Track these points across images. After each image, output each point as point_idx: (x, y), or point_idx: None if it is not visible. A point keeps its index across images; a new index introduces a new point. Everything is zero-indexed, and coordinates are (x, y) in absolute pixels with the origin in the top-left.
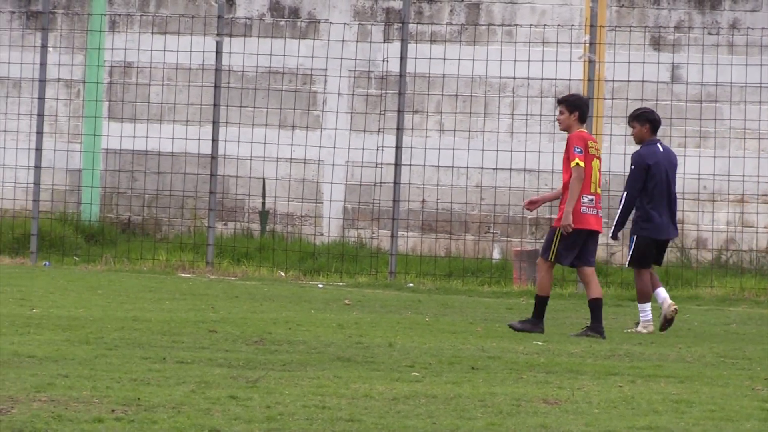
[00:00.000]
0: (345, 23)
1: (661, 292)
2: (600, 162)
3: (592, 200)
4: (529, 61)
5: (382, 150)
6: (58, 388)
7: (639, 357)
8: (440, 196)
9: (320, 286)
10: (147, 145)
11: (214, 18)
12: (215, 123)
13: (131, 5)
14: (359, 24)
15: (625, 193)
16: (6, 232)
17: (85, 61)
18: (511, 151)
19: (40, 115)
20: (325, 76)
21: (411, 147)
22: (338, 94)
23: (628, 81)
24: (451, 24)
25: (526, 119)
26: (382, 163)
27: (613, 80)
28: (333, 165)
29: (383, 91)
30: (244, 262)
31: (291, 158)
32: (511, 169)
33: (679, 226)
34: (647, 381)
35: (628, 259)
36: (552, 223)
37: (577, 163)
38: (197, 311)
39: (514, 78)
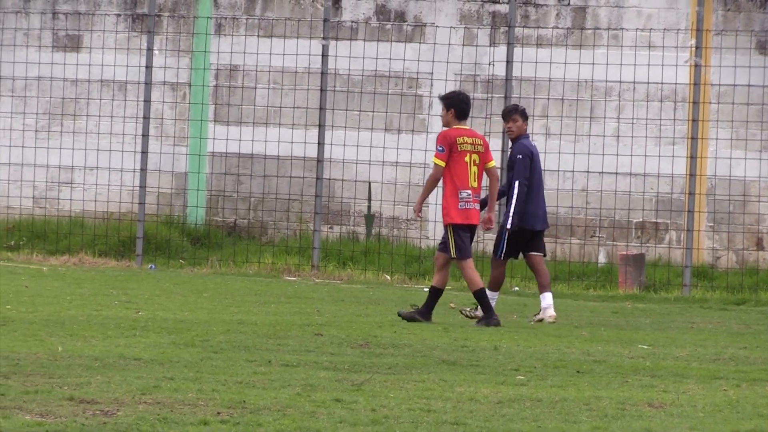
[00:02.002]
0: (451, 27)
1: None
2: (479, 157)
3: (470, 194)
4: (635, 65)
5: None
6: (164, 390)
7: (744, 361)
8: (546, 200)
9: (426, 289)
10: (253, 149)
11: (320, 21)
12: (321, 126)
13: (237, 8)
14: (465, 28)
15: (516, 183)
16: (112, 235)
17: (191, 64)
18: (617, 155)
19: (146, 118)
20: (431, 79)
21: None
22: None
23: (734, 85)
24: (557, 27)
25: (632, 123)
26: None
27: (719, 84)
28: None
29: (489, 95)
30: (349, 266)
31: (396, 161)
32: (616, 173)
33: None
34: (752, 385)
35: (501, 253)
36: (443, 222)
37: (434, 162)
38: (303, 314)
39: (620, 82)
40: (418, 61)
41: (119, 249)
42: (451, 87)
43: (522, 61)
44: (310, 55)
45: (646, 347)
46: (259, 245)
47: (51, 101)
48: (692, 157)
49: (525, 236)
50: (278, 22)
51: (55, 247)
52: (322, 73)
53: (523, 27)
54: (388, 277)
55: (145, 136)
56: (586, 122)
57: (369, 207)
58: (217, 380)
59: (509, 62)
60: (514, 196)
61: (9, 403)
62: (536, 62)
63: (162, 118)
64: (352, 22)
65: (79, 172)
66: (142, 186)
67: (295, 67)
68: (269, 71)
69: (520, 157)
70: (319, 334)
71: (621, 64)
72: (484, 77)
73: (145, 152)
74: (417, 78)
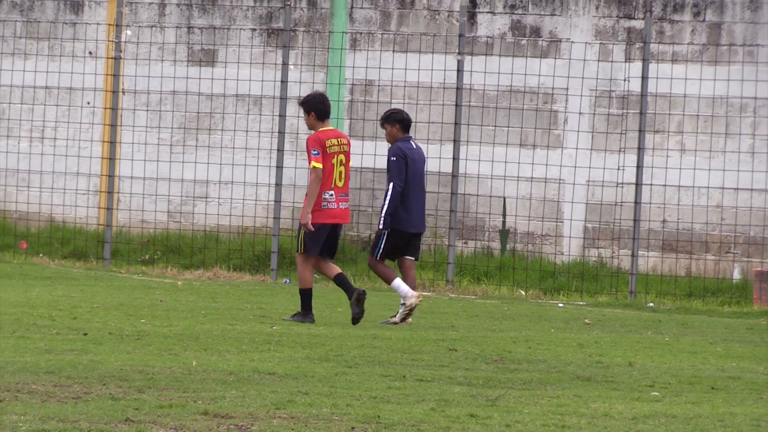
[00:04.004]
0: (586, 42)
1: (402, 286)
2: (346, 157)
3: (332, 195)
4: None
5: (623, 169)
6: (298, 405)
7: None
8: (681, 216)
9: (560, 305)
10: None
11: (455, 36)
12: (456, 141)
13: (372, 23)
14: (600, 43)
15: (391, 185)
16: (247, 249)
17: (326, 79)
18: (752, 171)
19: (281, 133)
20: (566, 95)
21: (652, 167)
22: (579, 113)
23: None
24: (693, 44)
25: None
26: (622, 183)
27: None
28: (574, 184)
29: (624, 111)
30: (484, 281)
31: (531, 177)
32: (752, 189)
33: None
34: None
35: (379, 253)
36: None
37: (314, 166)
38: (437, 329)
39: (756, 98)
40: (554, 76)
41: (254, 263)
42: (586, 103)
43: (657, 77)
44: (445, 70)
45: None
46: (393, 260)
47: (186, 115)
48: None
49: (402, 238)
50: (413, 37)
51: (189, 261)
52: (457, 89)
53: (659, 43)
54: (523, 293)
55: (280, 150)
56: (721, 138)
57: (504, 222)
58: (351, 395)
59: (644, 78)
60: (388, 197)
61: (144, 417)
62: (671, 78)
63: (297, 133)
64: (488, 37)
65: (214, 187)
66: (277, 200)
67: (431, 82)
68: (404, 86)
69: (394, 159)
70: (453, 349)
71: (756, 81)
72: (619, 93)
73: (280, 167)
74: (552, 93)
